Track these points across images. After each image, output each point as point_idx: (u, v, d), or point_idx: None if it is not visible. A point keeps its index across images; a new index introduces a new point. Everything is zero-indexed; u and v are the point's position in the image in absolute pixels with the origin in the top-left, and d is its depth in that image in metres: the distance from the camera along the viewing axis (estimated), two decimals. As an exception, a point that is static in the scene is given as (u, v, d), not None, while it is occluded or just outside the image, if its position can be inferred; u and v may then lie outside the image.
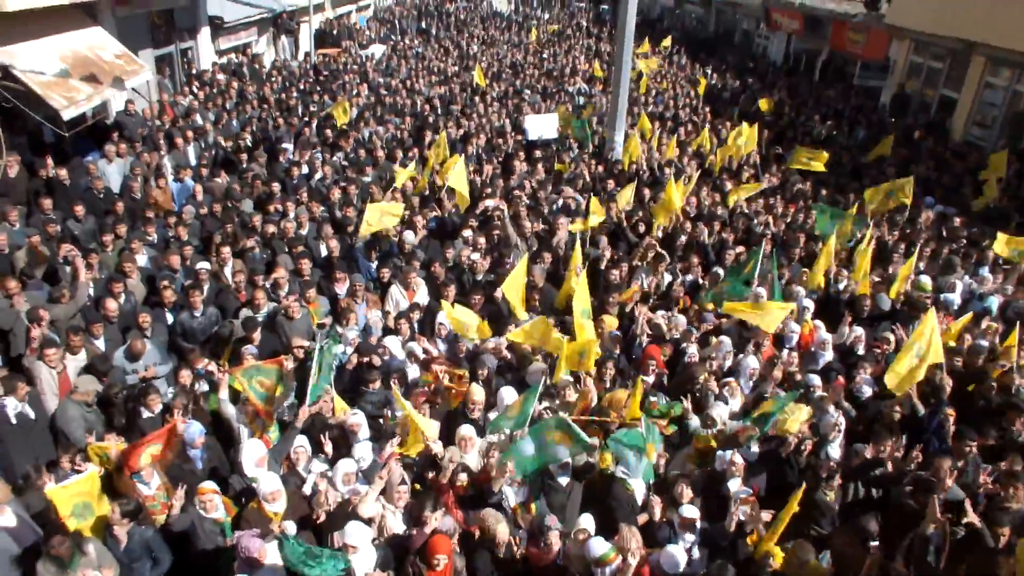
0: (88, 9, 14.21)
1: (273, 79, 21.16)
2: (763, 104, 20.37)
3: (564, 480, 6.60)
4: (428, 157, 13.46)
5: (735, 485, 6.56)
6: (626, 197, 11.80)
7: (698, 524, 6.13)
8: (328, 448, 6.80)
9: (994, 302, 10.23)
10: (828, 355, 8.70)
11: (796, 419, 6.94)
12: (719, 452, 6.89)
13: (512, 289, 8.62)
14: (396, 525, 6.00)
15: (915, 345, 7.57)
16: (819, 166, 13.94)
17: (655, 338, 8.45)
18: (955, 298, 10.15)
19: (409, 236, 10.56)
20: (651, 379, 7.89)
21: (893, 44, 23.28)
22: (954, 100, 20.28)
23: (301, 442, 6.78)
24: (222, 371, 7.31)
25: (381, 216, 10.25)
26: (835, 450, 7.25)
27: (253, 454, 6.41)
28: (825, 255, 10.06)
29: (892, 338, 8.77)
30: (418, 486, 6.51)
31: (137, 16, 16.79)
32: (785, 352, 8.53)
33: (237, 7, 21.84)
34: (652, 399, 7.39)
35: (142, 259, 10.07)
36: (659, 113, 19.80)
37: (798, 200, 13.54)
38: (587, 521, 5.90)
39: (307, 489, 6.44)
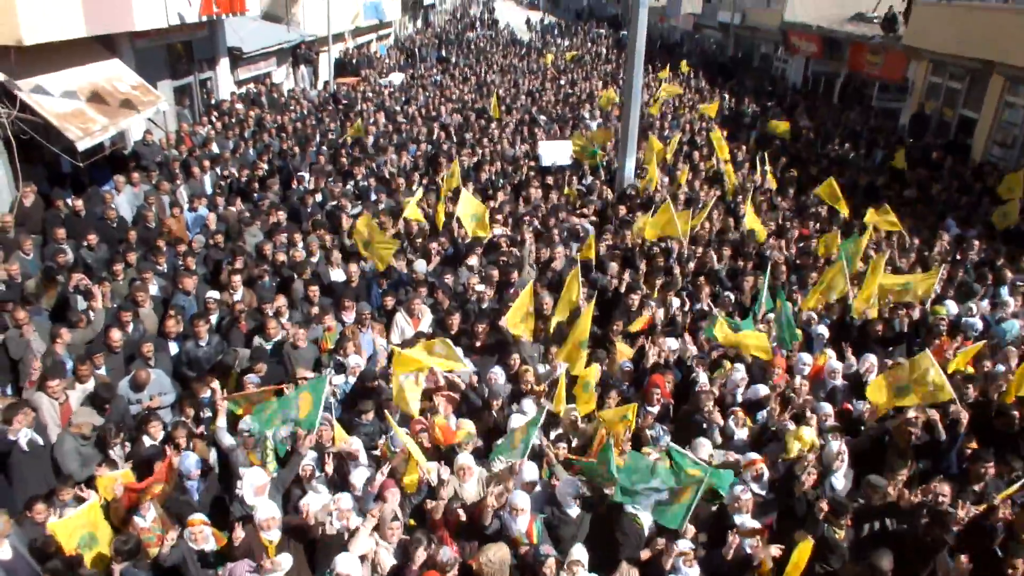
0: (107, 42, 14.48)
1: (292, 108, 21.43)
2: (779, 127, 20.20)
3: (575, 512, 6.47)
4: (440, 185, 13.48)
5: (742, 520, 6.40)
6: (644, 224, 11.74)
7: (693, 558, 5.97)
8: (329, 468, 6.77)
9: (1016, 325, 9.98)
10: (838, 383, 8.51)
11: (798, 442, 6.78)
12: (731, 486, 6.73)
13: (516, 317, 8.55)
14: (388, 560, 5.90)
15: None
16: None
17: (660, 366, 8.29)
18: (976, 322, 9.91)
19: (421, 265, 10.53)
20: (656, 409, 7.75)
21: (911, 65, 23.12)
22: (974, 120, 20.03)
23: (308, 459, 6.79)
24: (221, 399, 7.29)
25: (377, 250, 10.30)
26: (839, 481, 7.01)
27: (254, 482, 6.36)
28: (839, 279, 9.90)
29: (906, 364, 8.57)
30: (412, 521, 6.40)
31: (156, 48, 17.11)
32: (797, 379, 8.33)
33: (256, 38, 22.18)
34: (650, 432, 7.22)
35: (154, 288, 10.17)
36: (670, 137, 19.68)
37: (811, 224, 13.35)
38: (580, 552, 5.74)
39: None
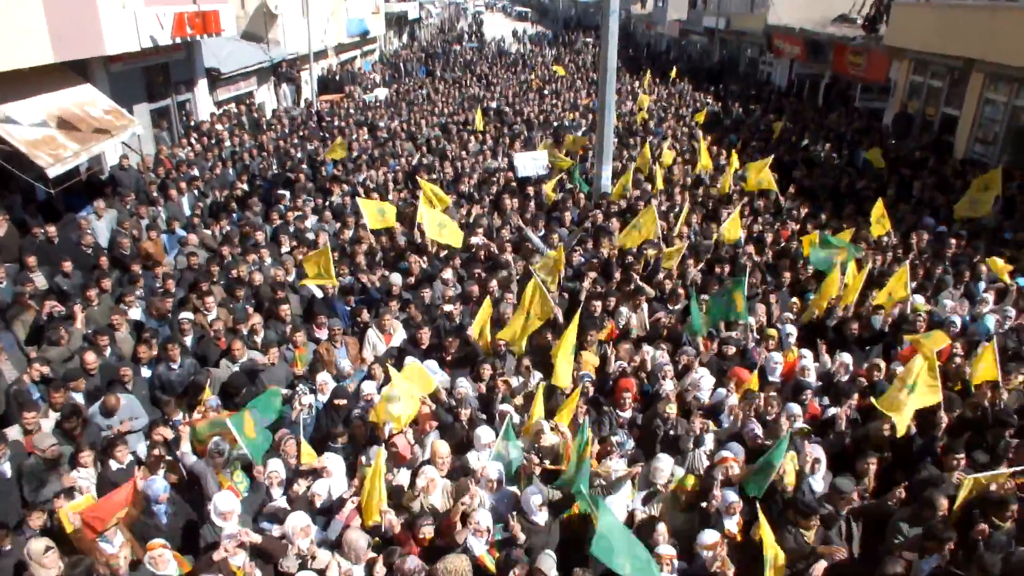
0: (79, 67, 14.47)
1: (273, 127, 21.43)
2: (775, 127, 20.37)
3: (542, 519, 6.36)
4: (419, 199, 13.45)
5: (731, 524, 6.33)
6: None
7: (675, 563, 5.88)
8: (300, 487, 6.68)
9: (991, 321, 9.91)
10: (806, 380, 8.37)
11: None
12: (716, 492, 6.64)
13: (478, 329, 8.52)
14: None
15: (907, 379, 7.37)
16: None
17: (627, 372, 8.22)
18: (956, 318, 9.83)
19: (396, 278, 10.48)
20: (627, 414, 7.68)
21: (893, 65, 23.15)
22: (955, 118, 20.03)
23: (275, 467, 6.73)
24: (184, 423, 7.21)
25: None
26: (818, 483, 6.94)
27: (222, 506, 6.28)
28: (831, 284, 9.88)
29: (883, 365, 8.51)
30: (377, 540, 6.32)
31: (132, 71, 17.11)
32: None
33: (234, 58, 22.19)
34: (615, 439, 7.14)
35: (136, 312, 10.13)
36: (656, 143, 19.69)
37: (789, 226, 13.31)
38: (547, 562, 5.64)
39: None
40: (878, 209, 12.64)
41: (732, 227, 12.15)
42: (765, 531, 5.76)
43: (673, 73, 30.45)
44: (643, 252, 11.31)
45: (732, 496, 6.42)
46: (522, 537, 6.10)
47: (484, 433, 7.04)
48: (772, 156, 16.07)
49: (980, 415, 7.90)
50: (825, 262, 10.77)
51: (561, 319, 9.15)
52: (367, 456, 6.95)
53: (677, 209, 13.53)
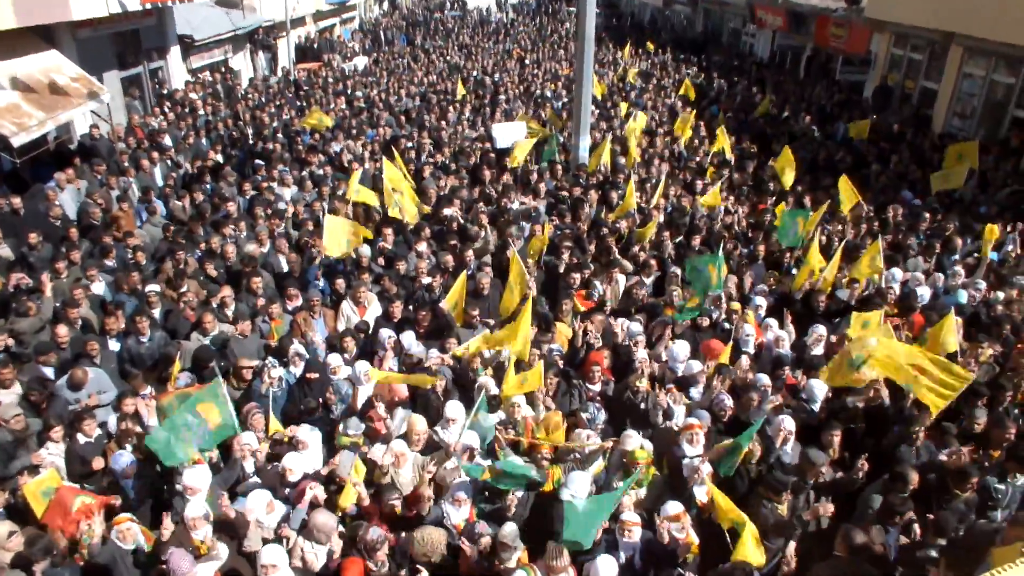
0: (45, 33, 14.09)
1: (249, 96, 21.07)
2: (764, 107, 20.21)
3: (518, 493, 6.35)
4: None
5: (701, 493, 6.34)
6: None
7: (638, 532, 5.90)
8: (261, 456, 6.70)
9: (963, 295, 9.95)
10: (784, 352, 8.45)
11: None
12: (685, 460, 6.65)
13: (454, 299, 8.49)
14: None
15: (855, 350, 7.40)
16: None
17: (597, 345, 8.20)
18: (924, 291, 9.88)
19: (365, 250, 10.39)
20: (597, 387, 7.67)
21: (874, 38, 23.07)
22: (935, 91, 20.04)
23: (248, 439, 6.70)
24: (151, 397, 7.14)
25: (347, 234, 10.16)
26: (787, 456, 6.96)
27: (190, 481, 6.20)
28: (812, 257, 9.88)
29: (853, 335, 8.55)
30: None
31: (101, 37, 16.71)
32: (744, 360, 8.26)
33: (208, 25, 21.73)
34: (585, 415, 7.13)
35: (100, 287, 9.98)
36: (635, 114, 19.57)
37: (766, 199, 13.31)
38: (511, 532, 5.64)
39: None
40: (844, 184, 12.63)
41: (712, 197, 12.14)
42: (721, 501, 5.78)
43: (651, 46, 30.10)
44: (618, 225, 11.27)
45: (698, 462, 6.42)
46: (514, 508, 6.11)
47: (452, 408, 7.01)
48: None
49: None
50: (794, 238, 10.78)
51: (534, 292, 9.11)
52: (345, 426, 6.92)
53: (654, 181, 13.48)
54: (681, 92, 21.38)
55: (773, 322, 8.87)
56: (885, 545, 5.95)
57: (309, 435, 6.75)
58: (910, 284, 10.13)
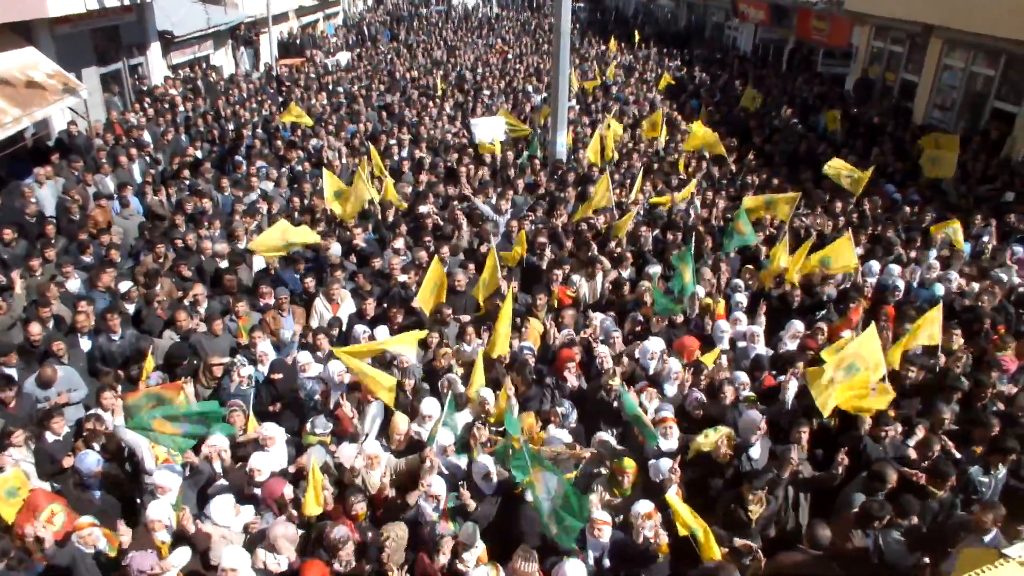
0: (22, 29, 13.98)
1: (230, 92, 20.95)
2: (747, 98, 20.22)
3: (489, 488, 6.34)
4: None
5: (673, 494, 6.34)
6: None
7: (608, 532, 5.90)
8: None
9: (939, 289, 9.93)
10: (759, 348, 8.46)
11: (710, 441, 6.72)
12: (652, 461, 6.65)
13: (426, 293, 8.47)
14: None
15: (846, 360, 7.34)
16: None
17: (567, 342, 8.19)
18: (899, 283, 9.87)
19: (336, 249, 10.37)
20: (570, 384, 7.65)
21: (856, 30, 23.17)
22: (915, 84, 20.14)
23: (216, 441, 6.66)
24: (116, 397, 7.10)
25: (283, 237, 10.01)
26: (756, 451, 6.95)
27: (159, 481, 6.18)
28: (779, 254, 9.86)
29: (826, 330, 8.58)
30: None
31: (80, 34, 16.58)
32: (724, 359, 8.25)
33: (189, 21, 21.59)
34: (559, 409, 7.11)
35: (75, 284, 9.92)
36: (617, 111, 19.59)
37: (747, 193, 13.31)
38: (468, 532, 5.62)
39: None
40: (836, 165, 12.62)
41: (685, 193, 12.15)
42: (679, 508, 5.80)
43: (636, 37, 30.15)
44: (594, 221, 11.28)
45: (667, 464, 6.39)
46: (472, 504, 6.11)
47: (427, 405, 7.00)
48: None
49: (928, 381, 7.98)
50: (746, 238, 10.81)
51: (505, 290, 9.09)
52: (312, 424, 6.90)
53: (632, 177, 13.47)
54: (660, 87, 21.27)
55: (742, 316, 8.85)
56: (867, 549, 5.91)
57: (275, 432, 6.73)
58: (885, 277, 10.14)
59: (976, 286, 10.07)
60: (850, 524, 6.05)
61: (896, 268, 10.33)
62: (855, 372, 7.02)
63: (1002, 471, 6.71)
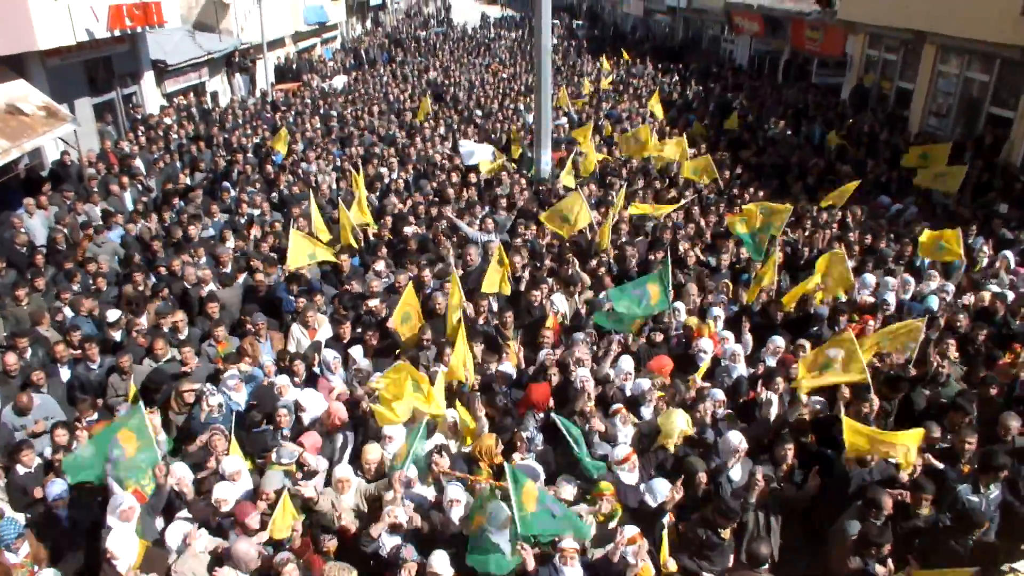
0: (14, 62, 14.13)
1: (225, 118, 21.08)
2: (731, 123, 20.15)
3: (457, 515, 6.21)
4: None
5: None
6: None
7: (578, 561, 5.73)
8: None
9: (934, 301, 9.64)
10: (740, 368, 8.27)
11: (672, 424, 6.60)
12: (644, 484, 6.50)
13: (399, 317, 8.39)
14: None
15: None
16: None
17: (540, 369, 8.00)
18: (890, 297, 9.64)
19: (314, 271, 10.35)
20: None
21: (849, 39, 23.10)
22: (910, 91, 20.01)
23: (180, 471, 6.66)
24: (81, 429, 7.07)
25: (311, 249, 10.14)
26: (736, 472, 6.78)
27: (119, 507, 6.12)
28: (770, 269, 9.71)
29: (808, 346, 8.41)
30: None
31: (71, 65, 16.75)
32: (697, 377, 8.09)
33: (182, 49, 21.77)
34: (524, 434, 6.89)
35: (70, 312, 9.93)
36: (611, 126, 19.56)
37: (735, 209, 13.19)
38: (440, 561, 5.53)
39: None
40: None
41: (665, 208, 12.05)
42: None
43: (625, 56, 30.07)
44: (577, 239, 11.25)
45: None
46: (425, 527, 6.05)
47: (392, 431, 6.91)
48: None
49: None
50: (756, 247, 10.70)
51: (472, 312, 9.01)
52: (277, 454, 6.82)
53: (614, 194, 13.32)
54: (651, 104, 21.18)
55: (729, 335, 8.70)
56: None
57: (239, 465, 6.66)
58: (880, 290, 9.92)
59: (971, 297, 9.90)
60: (849, 553, 5.92)
61: (891, 280, 10.10)
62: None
63: (994, 491, 6.47)
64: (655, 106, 20.55)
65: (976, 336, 8.77)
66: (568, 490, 6.38)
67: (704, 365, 8.26)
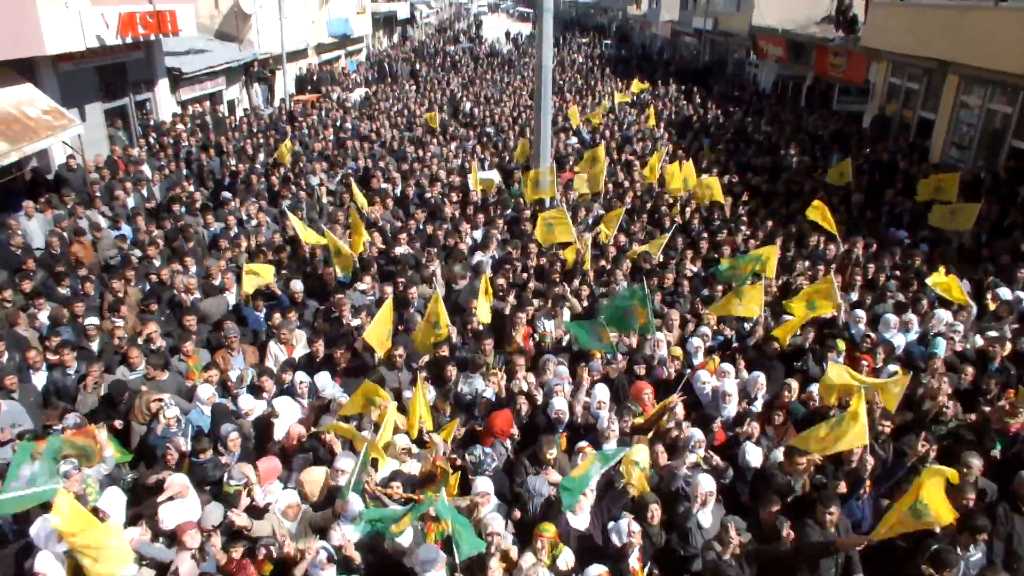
0: (24, 67, 14.23)
1: (239, 127, 21.15)
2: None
3: (407, 540, 6.06)
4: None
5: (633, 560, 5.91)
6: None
7: None
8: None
9: (941, 344, 9.11)
10: (731, 408, 7.89)
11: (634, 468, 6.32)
12: (611, 524, 6.24)
13: (374, 335, 8.19)
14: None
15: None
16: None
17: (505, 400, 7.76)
18: (891, 336, 9.23)
19: (297, 284, 10.20)
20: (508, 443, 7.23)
21: (872, 67, 22.72)
22: (932, 121, 19.57)
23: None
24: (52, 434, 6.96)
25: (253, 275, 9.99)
26: (706, 517, 6.41)
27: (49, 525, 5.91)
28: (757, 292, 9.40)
29: (795, 386, 8.05)
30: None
31: (84, 70, 16.87)
32: (679, 410, 7.71)
33: (199, 58, 21.91)
34: (469, 458, 6.67)
35: (44, 316, 9.88)
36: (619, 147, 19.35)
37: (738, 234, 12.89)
38: None
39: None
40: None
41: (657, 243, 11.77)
42: None
43: (637, 84, 29.48)
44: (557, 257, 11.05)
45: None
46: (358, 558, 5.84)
47: (341, 461, 6.67)
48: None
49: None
50: (736, 277, 10.37)
51: (454, 338, 8.81)
52: (229, 475, 6.62)
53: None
54: (649, 123, 20.85)
55: (729, 368, 8.29)
56: None
57: (186, 480, 6.47)
58: (882, 330, 9.48)
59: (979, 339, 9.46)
60: None
61: (893, 319, 9.58)
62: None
63: (975, 553, 6.06)
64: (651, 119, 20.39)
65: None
66: (499, 523, 6.07)
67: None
